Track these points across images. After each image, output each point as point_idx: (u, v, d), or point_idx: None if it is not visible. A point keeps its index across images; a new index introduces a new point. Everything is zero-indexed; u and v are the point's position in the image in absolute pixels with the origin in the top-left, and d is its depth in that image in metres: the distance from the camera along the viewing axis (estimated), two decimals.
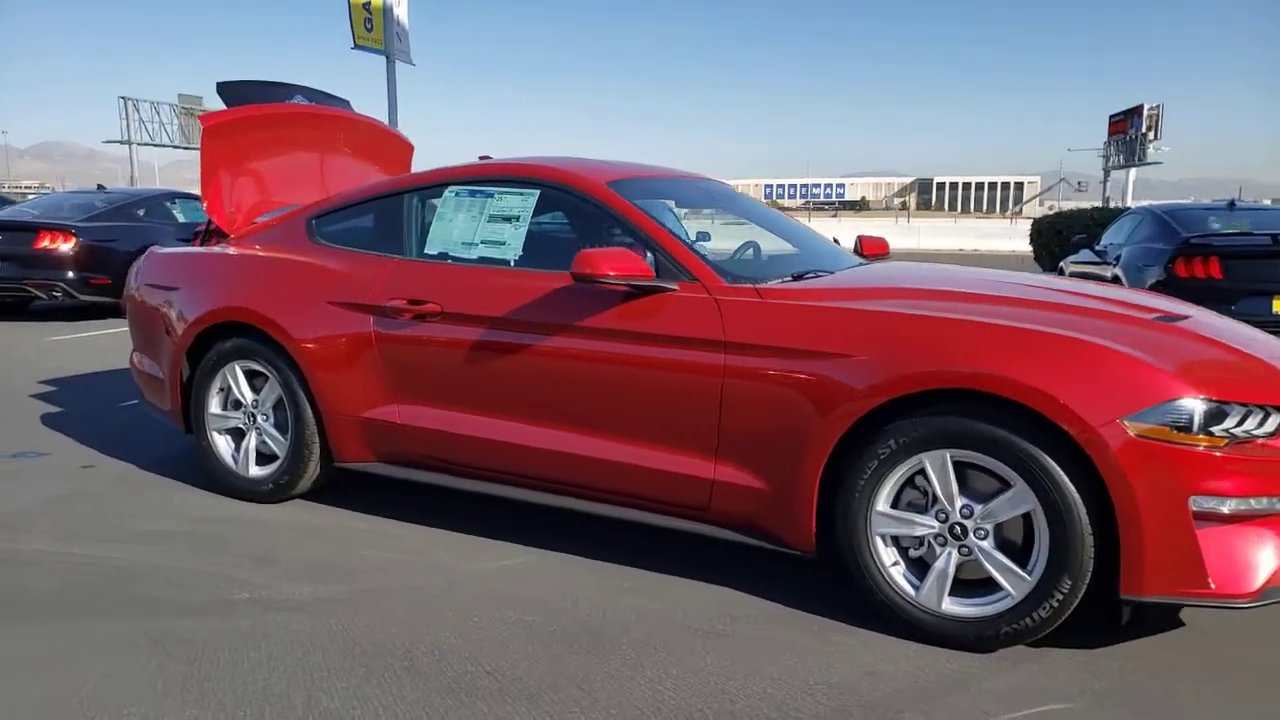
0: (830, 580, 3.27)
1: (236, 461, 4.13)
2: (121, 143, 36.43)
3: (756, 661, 2.75)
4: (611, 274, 3.13)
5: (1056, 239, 13.46)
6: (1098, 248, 9.63)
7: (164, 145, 37.55)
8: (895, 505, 2.90)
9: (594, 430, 3.31)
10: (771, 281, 3.27)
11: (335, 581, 3.29)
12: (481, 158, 4.66)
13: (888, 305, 3.00)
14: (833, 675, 2.67)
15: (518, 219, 3.61)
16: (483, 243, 3.65)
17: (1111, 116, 69.49)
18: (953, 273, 3.76)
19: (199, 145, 4.40)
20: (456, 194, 3.78)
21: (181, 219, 11.47)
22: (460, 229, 3.72)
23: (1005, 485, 2.74)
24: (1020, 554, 2.77)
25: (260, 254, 4.12)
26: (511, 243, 3.60)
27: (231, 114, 4.48)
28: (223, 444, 4.18)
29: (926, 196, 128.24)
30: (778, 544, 3.07)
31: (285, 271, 3.97)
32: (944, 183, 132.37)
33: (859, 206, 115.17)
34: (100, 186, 13.03)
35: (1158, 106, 64.64)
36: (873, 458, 2.85)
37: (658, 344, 3.16)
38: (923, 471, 2.84)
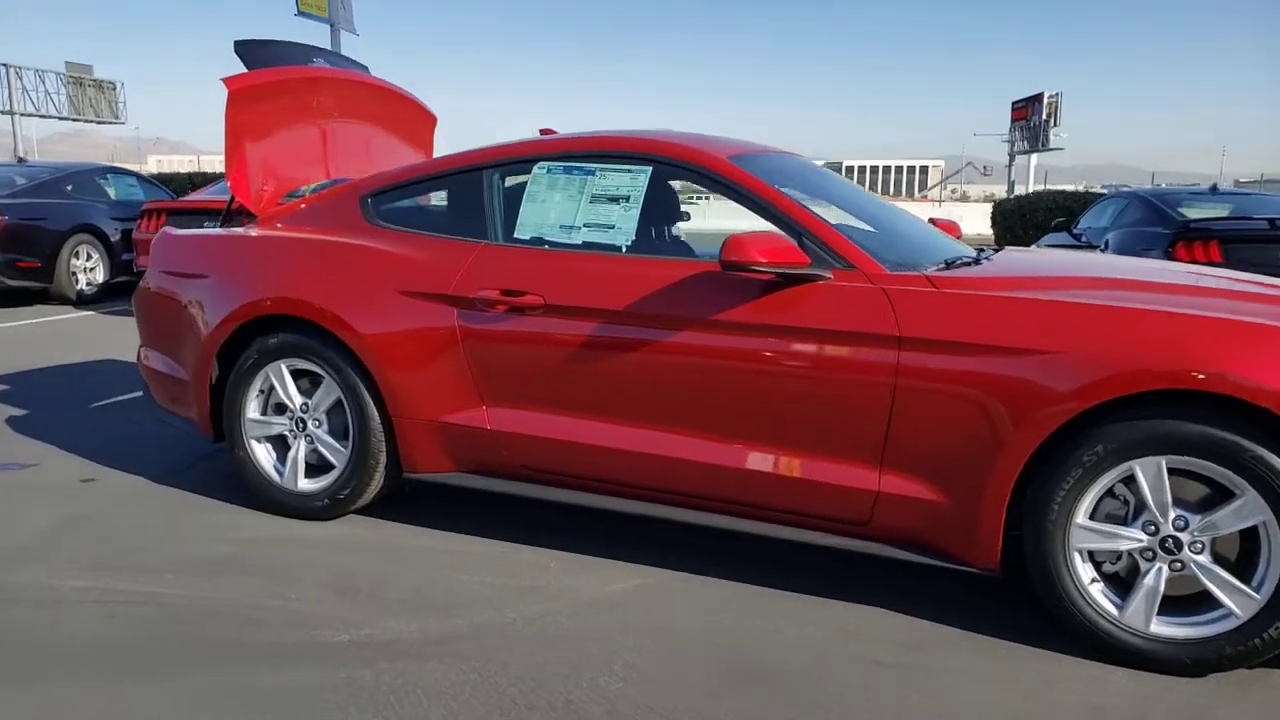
0: (995, 597, 3.00)
1: (281, 474, 3.64)
2: (4, 113, 34.16)
3: (964, 697, 2.46)
4: (762, 261, 2.78)
5: (1020, 221, 13.60)
6: (1075, 230, 9.65)
7: (50, 116, 35.43)
8: (1093, 517, 2.64)
9: (730, 436, 2.96)
10: (929, 269, 2.97)
11: (440, 615, 2.87)
12: (543, 131, 4.23)
13: (1086, 296, 2.72)
14: (1059, 715, 2.39)
15: (627, 199, 3.22)
16: (586, 226, 3.25)
17: (1014, 103, 71.80)
18: (1112, 260, 3.50)
19: (224, 114, 3.85)
20: (549, 170, 3.36)
21: (114, 196, 10.59)
22: (557, 210, 3.30)
23: (1225, 494, 2.50)
24: (1236, 569, 2.54)
25: (308, 237, 3.62)
26: (622, 226, 3.20)
27: (256, 77, 3.95)
28: (263, 454, 3.68)
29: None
30: (951, 560, 2.78)
31: (343, 258, 3.49)
32: (854, 166, 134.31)
33: None
34: (20, 159, 11.94)
35: (1057, 94, 67.07)
36: (1075, 465, 2.58)
37: (814, 340, 2.83)
38: (1128, 480, 2.58)
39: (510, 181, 3.48)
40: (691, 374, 2.97)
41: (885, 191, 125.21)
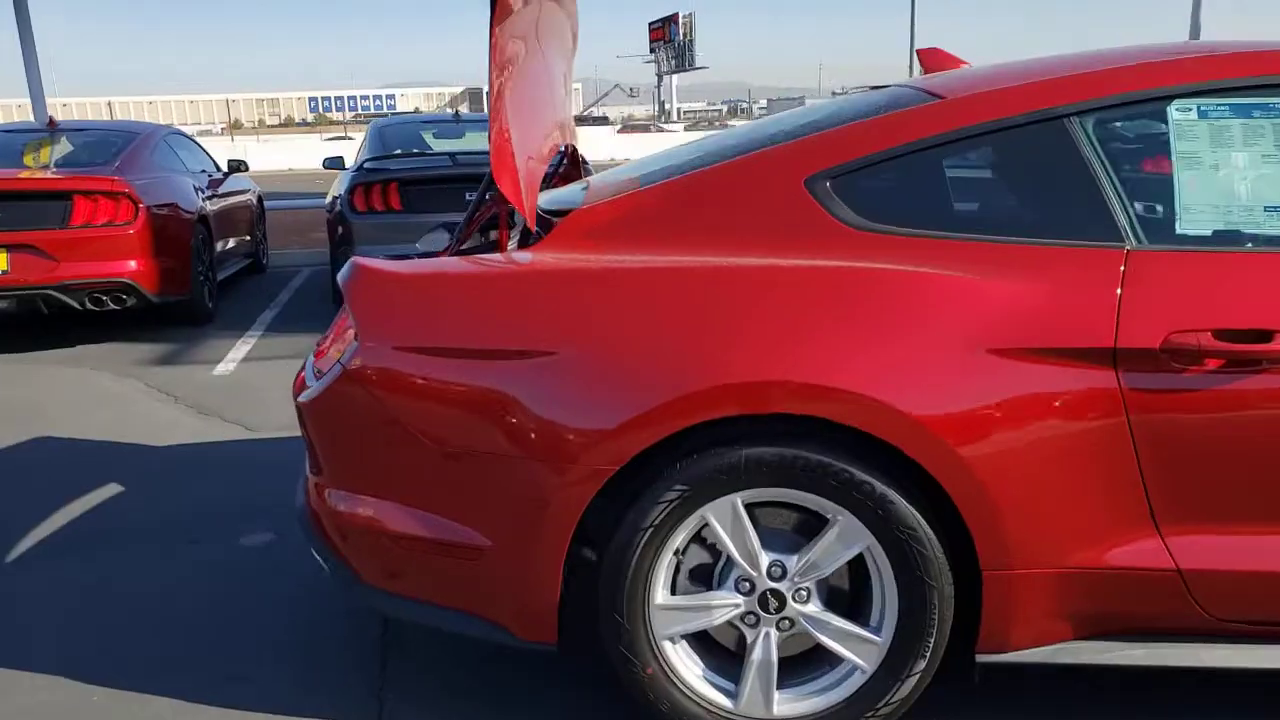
0: None
1: (733, 694, 2.01)
2: None
3: None
4: None
5: None
6: None
7: None
8: None
9: None
10: None
11: None
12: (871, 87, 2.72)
13: None
14: None
15: None
16: None
17: (651, 24, 74.41)
18: None
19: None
20: (1204, 114, 1.97)
21: None
22: (1253, 181, 1.95)
23: None
24: None
25: (751, 264, 1.94)
26: None
27: None
28: (685, 662, 2.02)
29: (479, 105, 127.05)
30: None
31: (851, 296, 1.88)
32: (479, 90, 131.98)
33: None
34: None
35: (690, 14, 70.18)
36: None
37: None
38: None
39: (1123, 135, 2.06)
40: None
41: None
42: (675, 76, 69.38)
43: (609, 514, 1.94)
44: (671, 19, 66.47)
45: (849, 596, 2.03)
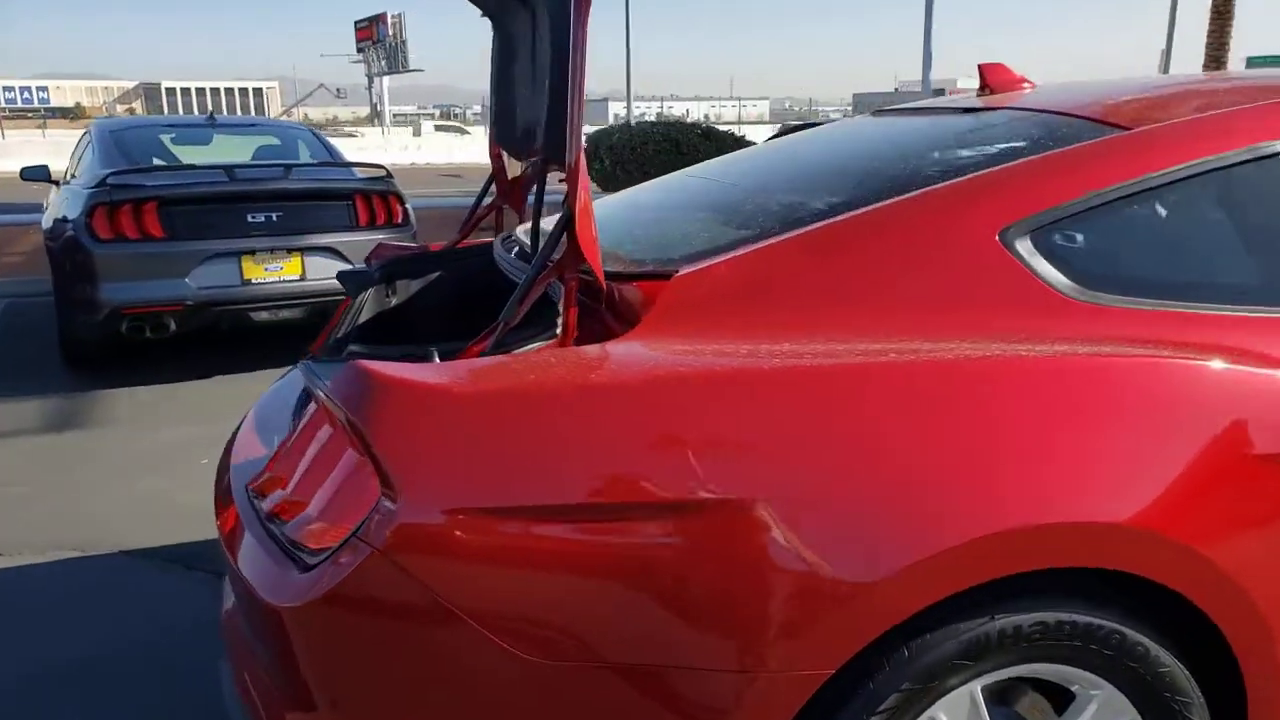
0: None
1: None
2: None
3: None
4: None
5: (632, 158, 12.25)
6: None
7: None
8: None
9: None
10: None
11: None
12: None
13: None
14: None
15: None
16: None
17: (357, 23, 71.65)
18: None
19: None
20: None
21: None
22: None
23: None
24: None
25: (958, 356, 1.35)
26: None
27: None
28: None
29: (156, 103, 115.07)
30: None
31: (1101, 396, 1.36)
32: (175, 87, 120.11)
33: (74, 115, 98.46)
34: None
35: (400, 14, 68.21)
36: None
37: None
38: None
39: None
40: None
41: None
42: (387, 78, 66.95)
43: None
44: (379, 19, 63.86)
45: None
